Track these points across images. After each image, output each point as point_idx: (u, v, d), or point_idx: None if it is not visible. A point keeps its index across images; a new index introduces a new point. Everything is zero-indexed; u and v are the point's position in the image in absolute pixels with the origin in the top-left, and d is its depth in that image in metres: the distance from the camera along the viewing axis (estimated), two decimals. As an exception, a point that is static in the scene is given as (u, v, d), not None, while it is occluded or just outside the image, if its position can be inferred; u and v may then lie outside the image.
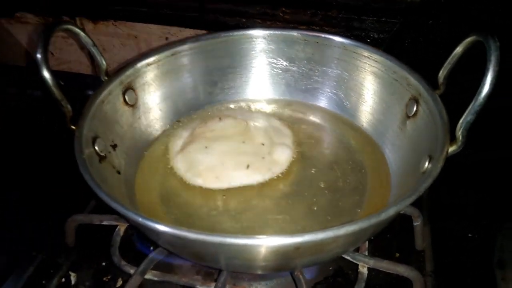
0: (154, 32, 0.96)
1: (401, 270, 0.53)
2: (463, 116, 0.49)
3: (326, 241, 0.42)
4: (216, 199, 0.59)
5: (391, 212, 0.42)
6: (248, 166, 0.61)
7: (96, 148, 0.54)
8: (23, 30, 1.04)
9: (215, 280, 0.54)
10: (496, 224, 0.63)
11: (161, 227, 0.41)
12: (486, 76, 0.46)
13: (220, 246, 0.42)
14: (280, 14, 0.87)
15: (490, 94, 0.47)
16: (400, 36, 0.80)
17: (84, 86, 0.85)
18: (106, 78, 0.61)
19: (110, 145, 0.58)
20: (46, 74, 0.50)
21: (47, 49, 0.50)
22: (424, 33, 0.78)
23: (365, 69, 0.67)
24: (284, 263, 0.47)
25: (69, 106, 0.52)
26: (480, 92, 0.47)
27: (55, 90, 0.51)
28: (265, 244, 0.40)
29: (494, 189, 0.68)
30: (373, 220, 0.41)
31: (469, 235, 0.64)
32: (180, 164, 0.62)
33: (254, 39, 0.71)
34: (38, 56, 0.50)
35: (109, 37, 0.99)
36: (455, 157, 0.51)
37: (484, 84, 0.46)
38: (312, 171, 0.63)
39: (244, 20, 0.89)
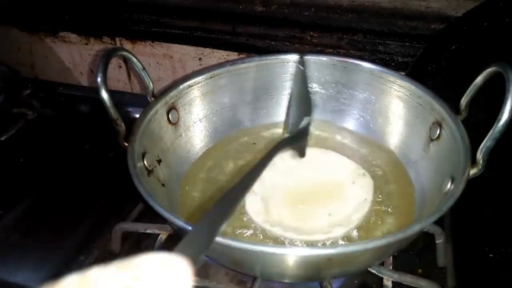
0: (188, 52, 1.02)
1: (424, 284, 0.56)
2: (483, 142, 0.52)
3: (355, 254, 0.46)
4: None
5: (415, 229, 0.46)
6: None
7: (145, 162, 0.60)
8: (66, 48, 1.11)
9: (248, 288, 0.59)
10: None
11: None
12: (505, 105, 0.50)
13: (259, 255, 0.46)
14: (308, 37, 0.92)
15: (509, 122, 0.51)
16: (424, 60, 0.84)
17: (122, 103, 0.92)
18: (153, 98, 0.67)
19: (156, 160, 0.63)
20: (104, 95, 0.56)
21: (106, 73, 0.56)
22: (447, 58, 0.82)
23: (390, 93, 0.71)
24: (315, 273, 0.51)
25: (123, 125, 0.58)
26: (499, 120, 0.50)
27: (111, 110, 0.57)
28: (301, 254, 0.45)
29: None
30: (399, 236, 0.45)
31: (490, 254, 0.67)
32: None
33: (287, 63, 0.76)
34: (98, 79, 0.56)
35: (146, 57, 1.05)
36: (477, 178, 0.54)
37: (503, 113, 0.50)
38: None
39: (273, 43, 0.94)
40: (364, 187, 0.66)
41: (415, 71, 0.83)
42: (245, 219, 0.61)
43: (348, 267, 0.50)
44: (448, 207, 0.48)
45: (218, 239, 0.45)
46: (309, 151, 0.69)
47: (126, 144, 0.58)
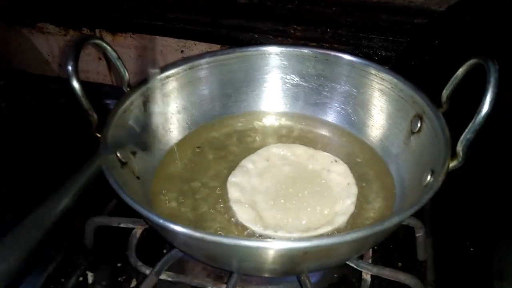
0: (169, 45, 1.00)
1: (403, 278, 0.56)
2: (463, 134, 0.52)
3: (332, 247, 0.45)
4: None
5: (393, 221, 0.45)
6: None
7: (119, 155, 0.58)
8: (44, 40, 1.08)
9: (225, 283, 0.58)
10: (495, 236, 0.66)
11: (180, 229, 0.44)
12: (485, 97, 0.49)
13: (234, 248, 0.45)
14: (291, 31, 0.91)
15: (489, 114, 0.50)
16: (407, 54, 0.84)
17: (101, 96, 0.90)
18: (128, 89, 0.65)
19: (131, 152, 0.61)
20: (75, 84, 0.54)
21: (77, 61, 0.54)
22: (430, 52, 0.82)
23: (372, 86, 0.70)
24: (292, 267, 0.50)
25: (95, 115, 0.56)
26: (480, 111, 0.50)
27: (83, 100, 0.55)
28: (276, 247, 0.43)
29: (494, 202, 0.71)
30: (377, 228, 0.44)
31: (470, 247, 0.66)
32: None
33: (268, 55, 0.74)
34: (69, 68, 0.54)
35: (126, 49, 1.02)
36: (457, 172, 0.54)
37: (483, 104, 0.49)
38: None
39: (256, 36, 0.92)
40: (341, 173, 0.65)
41: (398, 65, 0.83)
42: (245, 233, 0.59)
43: (325, 261, 0.49)
44: (427, 199, 0.47)
45: (193, 233, 0.43)
46: (274, 148, 0.69)
47: (99, 135, 0.56)
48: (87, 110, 0.55)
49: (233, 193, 0.63)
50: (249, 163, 0.67)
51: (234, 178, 0.65)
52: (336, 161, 0.67)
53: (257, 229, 0.58)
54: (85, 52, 1.07)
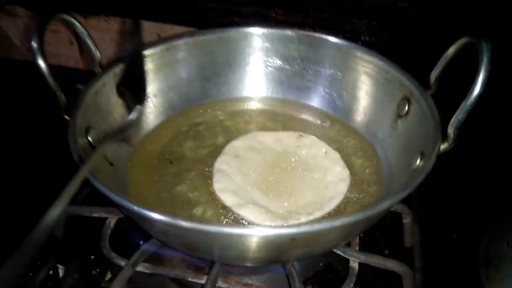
0: (146, 28, 0.95)
1: (391, 265, 0.54)
2: (455, 115, 0.50)
3: (321, 233, 0.42)
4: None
5: (384, 205, 0.43)
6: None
7: (89, 138, 0.54)
8: (12, 23, 1.03)
9: (206, 274, 0.54)
10: (482, 224, 0.65)
11: (157, 216, 0.41)
12: (478, 77, 0.48)
13: (216, 236, 0.42)
14: (273, 14, 0.88)
15: (481, 94, 0.48)
16: (393, 36, 0.82)
17: (73, 80, 0.84)
18: (100, 70, 0.60)
19: (103, 137, 0.57)
20: (41, 62, 0.50)
21: (43, 38, 0.50)
22: (416, 34, 0.80)
23: (357, 69, 0.68)
24: (278, 255, 0.47)
25: (63, 96, 0.52)
26: (472, 92, 0.48)
27: (49, 79, 0.50)
28: (261, 234, 0.40)
29: (481, 190, 0.70)
30: (368, 213, 0.42)
31: (456, 235, 0.65)
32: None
33: (249, 37, 0.71)
34: (34, 44, 0.49)
35: (100, 33, 0.97)
36: (445, 159, 0.52)
37: (475, 85, 0.48)
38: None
39: (236, 19, 0.89)
40: (313, 145, 0.65)
41: (384, 48, 0.80)
42: (227, 221, 0.55)
43: (312, 248, 0.47)
44: (418, 182, 0.45)
45: (171, 220, 0.40)
46: (236, 142, 0.66)
47: (68, 118, 0.52)
48: (54, 90, 0.51)
49: (217, 181, 0.59)
50: (223, 165, 0.62)
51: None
52: (301, 135, 0.66)
53: (242, 212, 0.55)
54: (56, 35, 1.02)
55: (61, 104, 0.52)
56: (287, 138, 0.67)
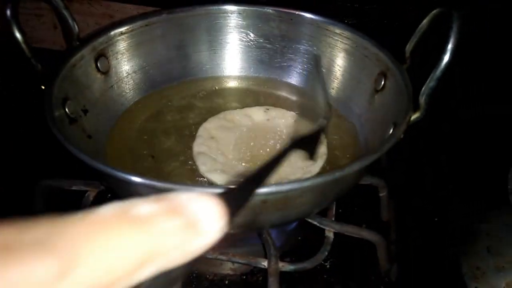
0: (130, 12, 0.95)
1: (366, 234, 0.55)
2: (426, 84, 0.51)
3: (292, 194, 0.43)
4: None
5: (354, 167, 0.43)
6: None
7: (67, 110, 0.54)
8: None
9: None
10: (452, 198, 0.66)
11: (141, 180, 0.40)
12: (448, 44, 0.48)
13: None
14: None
15: (451, 62, 0.49)
16: (370, 13, 0.82)
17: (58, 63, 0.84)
18: (78, 43, 0.60)
19: (81, 110, 0.57)
20: (16, 31, 0.50)
21: (17, 5, 0.50)
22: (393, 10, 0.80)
23: (337, 46, 0.69)
24: (251, 219, 0.47)
25: (39, 65, 0.52)
26: (442, 59, 0.49)
27: (25, 47, 0.50)
28: (232, 195, 0.41)
29: (459, 164, 0.71)
30: (338, 174, 0.42)
31: (426, 203, 0.66)
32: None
33: (229, 14, 0.71)
34: (8, 12, 0.49)
35: (83, 16, 0.97)
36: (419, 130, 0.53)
37: (445, 52, 0.49)
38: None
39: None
40: (282, 116, 0.66)
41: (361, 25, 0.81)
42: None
43: (286, 212, 0.47)
44: (388, 147, 0.46)
45: (138, 179, 0.40)
46: (207, 124, 0.66)
47: (43, 87, 0.52)
48: (30, 59, 0.51)
49: (202, 164, 0.60)
50: (202, 147, 0.62)
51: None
52: (268, 109, 0.68)
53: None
54: (39, 20, 1.01)
55: (38, 72, 0.52)
56: (255, 113, 0.67)
